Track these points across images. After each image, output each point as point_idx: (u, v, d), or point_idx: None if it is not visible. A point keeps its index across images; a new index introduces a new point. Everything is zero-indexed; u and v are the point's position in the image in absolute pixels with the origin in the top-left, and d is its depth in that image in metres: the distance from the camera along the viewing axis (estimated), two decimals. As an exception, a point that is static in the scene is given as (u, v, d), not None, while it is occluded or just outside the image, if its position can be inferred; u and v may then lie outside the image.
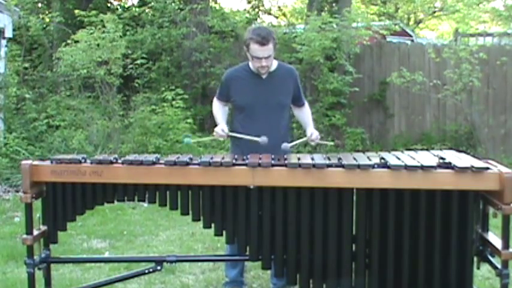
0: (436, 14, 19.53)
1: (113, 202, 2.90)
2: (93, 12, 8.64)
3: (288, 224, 2.74)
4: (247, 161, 2.76)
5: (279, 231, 2.75)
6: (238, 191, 2.76)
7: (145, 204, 5.72)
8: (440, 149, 3.96)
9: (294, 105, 3.66)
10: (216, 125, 3.51)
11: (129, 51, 8.65)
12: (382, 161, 2.73)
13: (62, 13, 9.71)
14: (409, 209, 2.65)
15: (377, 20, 14.64)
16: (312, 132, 3.52)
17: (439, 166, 2.65)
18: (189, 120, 8.11)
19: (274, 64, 3.49)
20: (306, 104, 3.72)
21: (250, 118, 3.42)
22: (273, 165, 2.72)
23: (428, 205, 2.64)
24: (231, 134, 3.44)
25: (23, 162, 2.86)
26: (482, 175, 2.58)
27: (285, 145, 3.19)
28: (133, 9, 11.02)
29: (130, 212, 5.83)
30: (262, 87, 3.43)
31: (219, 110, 3.60)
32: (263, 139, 3.24)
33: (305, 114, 3.69)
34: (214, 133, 3.47)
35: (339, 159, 2.76)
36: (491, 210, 2.68)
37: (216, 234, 2.85)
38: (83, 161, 2.84)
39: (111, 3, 11.43)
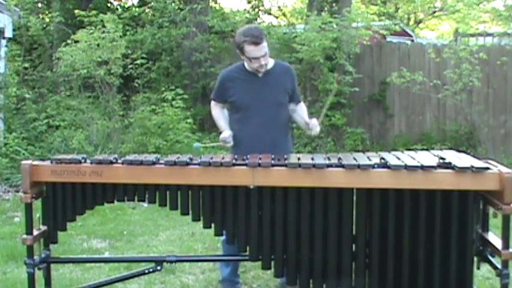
0: (436, 14, 19.51)
1: (113, 202, 2.90)
2: (93, 12, 8.65)
3: (288, 224, 2.74)
4: (247, 161, 2.76)
5: (279, 231, 2.75)
6: (238, 191, 2.76)
7: (145, 204, 5.72)
8: (440, 149, 3.95)
9: (290, 103, 3.61)
10: (217, 128, 3.53)
11: (129, 51, 8.66)
12: (382, 161, 2.73)
13: (62, 13, 9.72)
14: (409, 209, 2.65)
15: (377, 20, 14.60)
16: (310, 121, 3.47)
17: (439, 166, 2.64)
18: (189, 120, 8.12)
19: (271, 62, 3.48)
20: (302, 103, 3.68)
21: (247, 117, 3.41)
22: (273, 165, 2.71)
23: (428, 205, 2.64)
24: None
25: (23, 162, 2.86)
26: (482, 175, 2.58)
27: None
28: (133, 9, 11.04)
29: (130, 212, 5.83)
30: (259, 86, 3.43)
31: (220, 114, 3.59)
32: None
33: (300, 110, 3.61)
34: (221, 141, 3.47)
35: (339, 159, 2.76)
36: (491, 210, 2.68)
37: (216, 234, 2.86)
38: (83, 161, 2.84)
39: (111, 3, 11.45)
